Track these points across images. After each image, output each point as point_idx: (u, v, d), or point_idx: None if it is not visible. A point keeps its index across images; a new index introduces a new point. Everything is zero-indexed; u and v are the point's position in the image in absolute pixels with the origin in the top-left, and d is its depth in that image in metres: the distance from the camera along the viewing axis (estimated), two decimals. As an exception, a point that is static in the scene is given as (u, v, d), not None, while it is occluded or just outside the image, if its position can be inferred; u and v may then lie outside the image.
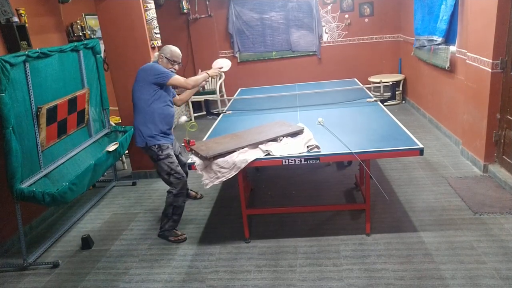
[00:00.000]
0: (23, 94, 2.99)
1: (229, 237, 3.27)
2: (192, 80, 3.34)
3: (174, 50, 3.30)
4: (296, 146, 2.87)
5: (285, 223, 3.38)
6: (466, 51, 4.16)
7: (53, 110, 3.30)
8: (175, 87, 3.45)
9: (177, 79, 3.20)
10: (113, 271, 3.01)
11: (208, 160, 2.79)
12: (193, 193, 4.02)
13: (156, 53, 3.44)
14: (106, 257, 3.20)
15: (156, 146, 3.20)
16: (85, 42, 3.90)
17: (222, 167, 2.80)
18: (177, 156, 3.52)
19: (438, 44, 4.83)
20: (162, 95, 3.23)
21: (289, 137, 3.02)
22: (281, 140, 2.98)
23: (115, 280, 2.89)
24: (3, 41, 3.45)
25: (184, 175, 3.30)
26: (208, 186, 2.83)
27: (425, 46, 5.28)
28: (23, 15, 3.62)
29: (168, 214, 3.27)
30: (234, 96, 4.90)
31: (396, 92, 6.64)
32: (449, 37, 4.66)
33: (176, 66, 3.33)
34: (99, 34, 5.17)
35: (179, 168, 3.28)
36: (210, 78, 3.48)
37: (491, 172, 3.83)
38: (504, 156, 3.74)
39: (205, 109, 4.07)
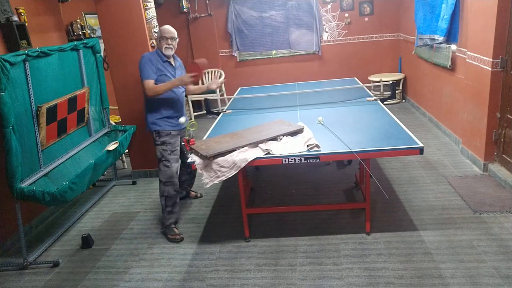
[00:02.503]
0: (23, 93, 2.99)
1: (229, 236, 3.27)
2: (158, 87, 3.16)
3: (162, 28, 3.30)
4: (296, 145, 2.87)
5: (285, 222, 3.38)
6: (466, 50, 4.16)
7: (53, 109, 3.30)
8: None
9: (145, 83, 3.17)
10: (113, 270, 3.01)
11: (208, 159, 2.79)
12: (193, 193, 4.02)
13: None
14: (106, 256, 3.20)
15: (155, 132, 3.31)
16: (85, 41, 3.89)
17: (222, 166, 2.80)
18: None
19: (440, 43, 4.83)
20: (162, 80, 3.24)
21: (289, 136, 3.02)
22: (281, 139, 2.98)
23: (115, 279, 2.90)
24: (3, 40, 3.44)
25: (176, 163, 3.35)
26: (208, 185, 2.83)
27: (428, 44, 5.28)
28: (22, 14, 3.61)
29: (162, 206, 3.36)
30: (234, 95, 4.90)
31: (396, 91, 6.64)
32: (450, 36, 4.66)
33: (170, 42, 3.25)
34: (98, 33, 5.17)
35: (172, 155, 3.31)
36: (180, 80, 3.22)
37: (491, 171, 3.83)
38: (504, 155, 3.74)
39: (205, 108, 4.07)
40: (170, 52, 3.30)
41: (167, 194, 3.32)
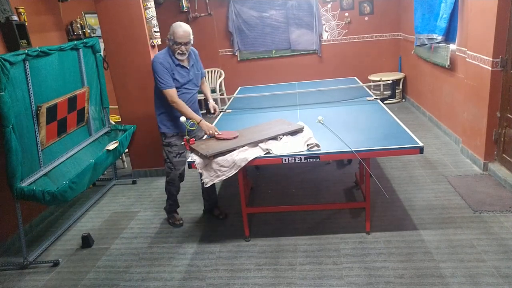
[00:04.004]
0: (22, 93, 2.99)
1: (229, 236, 3.27)
2: (179, 105, 3.05)
3: (176, 30, 2.98)
4: (296, 144, 2.87)
5: (285, 222, 3.38)
6: (466, 50, 4.15)
7: (53, 109, 3.30)
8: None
9: (166, 93, 3.04)
10: (114, 269, 3.01)
11: (208, 158, 2.79)
12: (217, 212, 3.58)
13: None
14: (106, 255, 3.20)
15: (162, 133, 3.29)
16: (84, 40, 3.89)
17: (222, 166, 2.80)
18: None
19: (438, 43, 4.83)
20: (174, 82, 3.09)
21: (289, 136, 3.02)
22: (281, 138, 2.98)
23: (115, 278, 2.90)
24: (2, 40, 3.44)
25: (180, 167, 3.34)
26: (208, 185, 2.83)
27: (425, 44, 5.29)
28: (22, 13, 3.61)
29: (167, 197, 3.53)
30: (234, 95, 4.90)
31: (396, 91, 6.64)
32: (449, 36, 4.66)
33: (184, 48, 3.01)
34: (98, 32, 5.17)
35: (177, 159, 3.29)
36: (199, 124, 3.07)
37: (491, 171, 3.83)
38: (504, 155, 3.74)
39: (205, 107, 4.06)
40: (183, 57, 3.08)
41: (169, 191, 3.46)
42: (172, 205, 3.56)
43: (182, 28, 3.00)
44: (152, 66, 3.08)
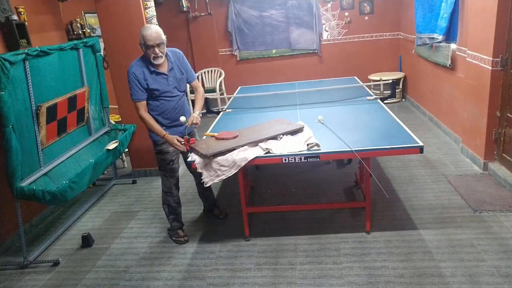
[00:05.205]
0: (22, 93, 2.99)
1: (229, 235, 3.27)
2: (145, 119, 2.94)
3: (145, 33, 2.78)
4: (296, 144, 2.87)
5: (285, 221, 3.38)
6: (466, 49, 4.15)
7: (53, 109, 3.30)
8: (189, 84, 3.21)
9: (134, 104, 2.94)
10: (114, 269, 3.01)
11: (208, 158, 2.79)
12: (217, 211, 3.60)
13: None
14: (107, 255, 3.21)
15: (152, 141, 3.12)
16: (84, 40, 3.89)
17: (222, 165, 2.80)
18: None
19: (439, 42, 4.83)
20: (155, 95, 2.96)
21: (289, 135, 3.02)
22: (281, 138, 2.98)
23: (115, 278, 2.90)
24: (2, 39, 3.44)
25: (174, 174, 3.17)
26: (208, 185, 2.83)
27: (427, 44, 5.28)
28: (22, 13, 3.61)
29: (166, 213, 3.30)
30: (234, 94, 4.90)
31: (396, 90, 6.64)
32: (449, 35, 4.65)
33: (157, 50, 2.80)
34: (98, 32, 5.17)
35: (170, 166, 3.13)
36: (163, 138, 2.96)
37: (491, 170, 3.83)
38: (504, 154, 3.74)
39: (204, 107, 4.05)
40: (160, 61, 2.87)
41: (168, 204, 3.24)
42: (174, 220, 3.28)
43: (151, 30, 2.80)
44: (127, 76, 2.91)
